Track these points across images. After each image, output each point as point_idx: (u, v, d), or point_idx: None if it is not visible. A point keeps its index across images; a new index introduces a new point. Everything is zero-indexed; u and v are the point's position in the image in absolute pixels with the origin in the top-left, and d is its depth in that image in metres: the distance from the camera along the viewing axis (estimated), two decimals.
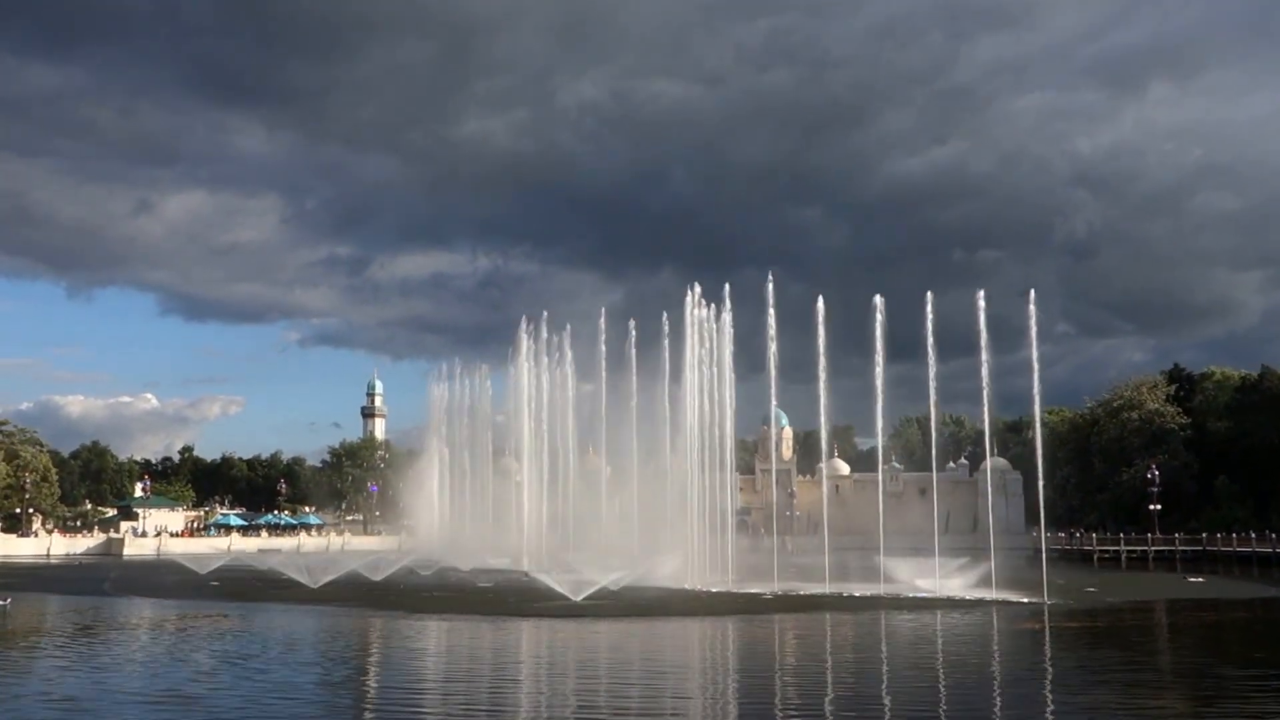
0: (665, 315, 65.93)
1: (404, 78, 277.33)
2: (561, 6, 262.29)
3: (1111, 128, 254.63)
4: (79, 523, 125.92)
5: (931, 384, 56.00)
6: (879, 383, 57.16)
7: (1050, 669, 30.32)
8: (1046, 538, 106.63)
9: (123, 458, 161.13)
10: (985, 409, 57.56)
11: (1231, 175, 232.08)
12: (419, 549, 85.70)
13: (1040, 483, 55.07)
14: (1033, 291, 52.94)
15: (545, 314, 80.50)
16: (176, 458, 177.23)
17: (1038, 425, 58.78)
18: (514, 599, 50.30)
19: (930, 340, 55.49)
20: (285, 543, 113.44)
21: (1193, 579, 67.31)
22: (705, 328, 62.95)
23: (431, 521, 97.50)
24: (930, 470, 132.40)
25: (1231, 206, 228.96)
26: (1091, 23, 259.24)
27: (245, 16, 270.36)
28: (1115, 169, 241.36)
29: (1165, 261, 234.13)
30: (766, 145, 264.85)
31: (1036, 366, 52.47)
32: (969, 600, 48.63)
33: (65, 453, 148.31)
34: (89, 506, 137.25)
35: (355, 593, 54.40)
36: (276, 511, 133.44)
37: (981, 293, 54.09)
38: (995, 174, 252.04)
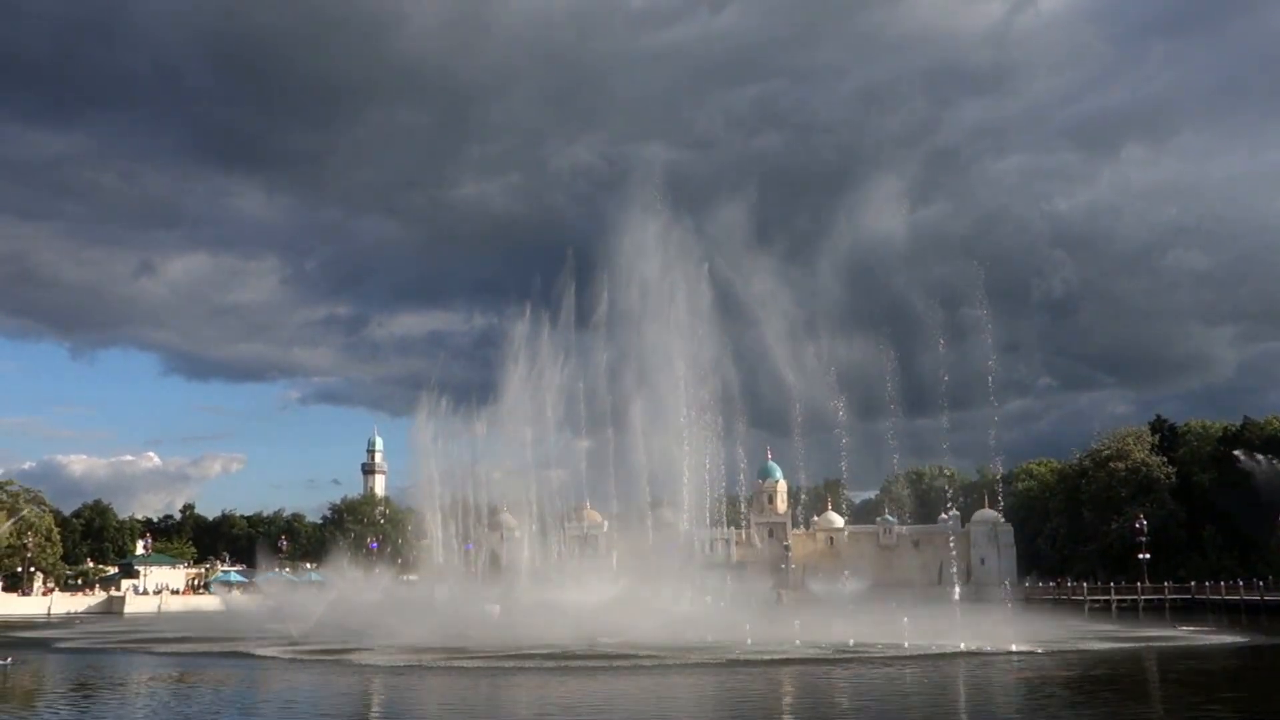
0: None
1: (401, 142, 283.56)
2: (553, 74, 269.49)
3: (1088, 188, 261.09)
4: (80, 581, 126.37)
5: None
6: None
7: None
8: (1038, 587, 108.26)
9: (124, 516, 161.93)
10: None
11: (1203, 234, 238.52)
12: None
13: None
14: None
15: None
16: (178, 515, 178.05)
17: None
18: None
19: None
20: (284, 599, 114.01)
21: (1184, 628, 68.55)
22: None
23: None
24: (921, 522, 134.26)
25: (1203, 264, 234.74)
26: (1067, 87, 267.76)
27: (245, 83, 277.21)
28: (1093, 228, 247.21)
29: (1142, 317, 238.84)
30: (756, 207, 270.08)
31: None
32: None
33: (67, 511, 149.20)
34: (90, 565, 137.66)
35: None
36: (276, 568, 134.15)
37: None
38: (977, 234, 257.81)
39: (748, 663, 43.50)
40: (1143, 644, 53.46)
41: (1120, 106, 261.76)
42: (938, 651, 46.07)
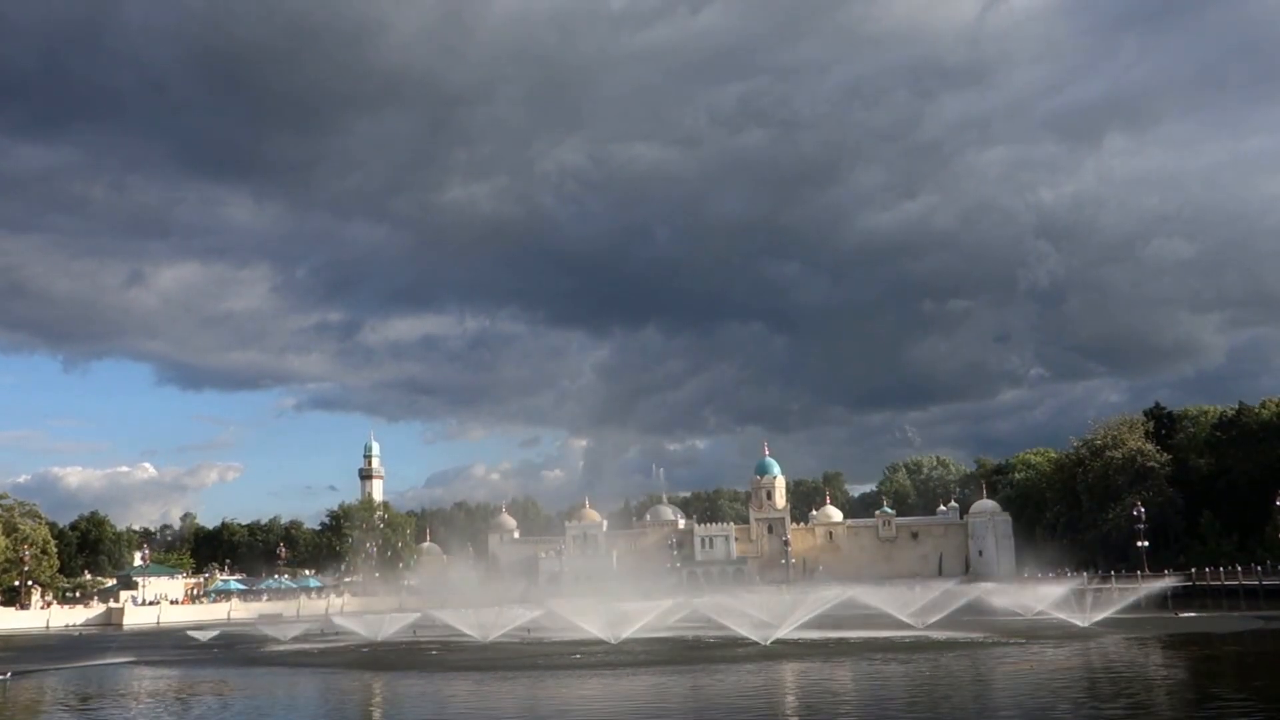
0: None
1: (388, 148, 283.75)
2: (536, 77, 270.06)
3: (1072, 179, 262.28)
4: (78, 594, 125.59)
5: None
6: None
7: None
8: (1037, 578, 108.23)
9: (121, 527, 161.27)
10: None
11: (1185, 222, 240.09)
12: None
13: None
14: None
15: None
16: (178, 525, 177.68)
17: None
18: None
19: None
20: (285, 607, 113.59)
21: (1185, 614, 68.70)
22: None
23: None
24: (919, 514, 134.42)
25: (1187, 252, 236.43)
26: (1047, 80, 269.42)
27: (232, 93, 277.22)
28: (1077, 218, 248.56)
29: (1129, 306, 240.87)
30: (743, 203, 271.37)
31: None
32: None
33: (64, 524, 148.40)
34: (88, 577, 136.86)
35: None
36: (276, 575, 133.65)
37: None
38: (962, 226, 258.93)
39: None
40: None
41: (1100, 98, 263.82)
42: None
